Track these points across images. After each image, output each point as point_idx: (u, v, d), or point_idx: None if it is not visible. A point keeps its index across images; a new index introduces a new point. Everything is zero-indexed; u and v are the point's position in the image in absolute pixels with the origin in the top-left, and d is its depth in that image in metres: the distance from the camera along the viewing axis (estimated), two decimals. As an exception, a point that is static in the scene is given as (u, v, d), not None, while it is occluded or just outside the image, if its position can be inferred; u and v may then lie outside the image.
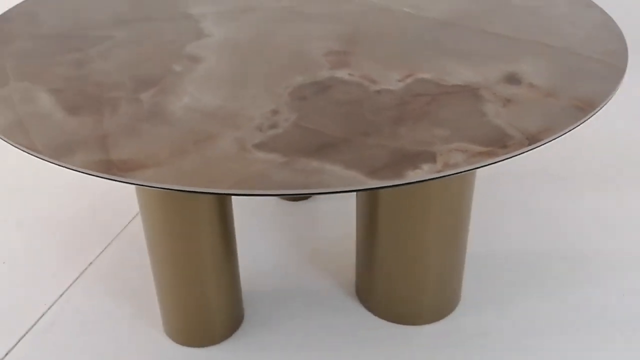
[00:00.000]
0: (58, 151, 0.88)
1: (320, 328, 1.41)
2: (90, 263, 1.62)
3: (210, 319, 1.34)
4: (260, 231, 1.72)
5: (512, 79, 1.04)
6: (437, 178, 0.82)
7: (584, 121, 0.93)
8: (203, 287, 1.29)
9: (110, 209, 1.83)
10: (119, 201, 1.85)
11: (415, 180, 0.81)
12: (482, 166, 0.83)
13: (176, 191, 0.82)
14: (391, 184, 0.80)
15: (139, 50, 1.19)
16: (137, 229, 1.74)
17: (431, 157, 0.85)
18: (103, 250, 1.67)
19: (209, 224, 1.21)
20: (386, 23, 1.28)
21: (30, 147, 0.89)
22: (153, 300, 1.44)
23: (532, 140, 0.88)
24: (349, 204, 1.74)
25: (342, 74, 1.08)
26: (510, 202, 1.80)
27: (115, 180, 0.83)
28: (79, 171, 0.85)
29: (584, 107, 0.96)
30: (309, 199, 1.80)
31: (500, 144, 0.87)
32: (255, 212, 1.80)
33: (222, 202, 1.21)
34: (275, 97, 1.01)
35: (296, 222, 1.76)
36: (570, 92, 1.00)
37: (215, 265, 1.27)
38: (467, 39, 1.20)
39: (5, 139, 0.92)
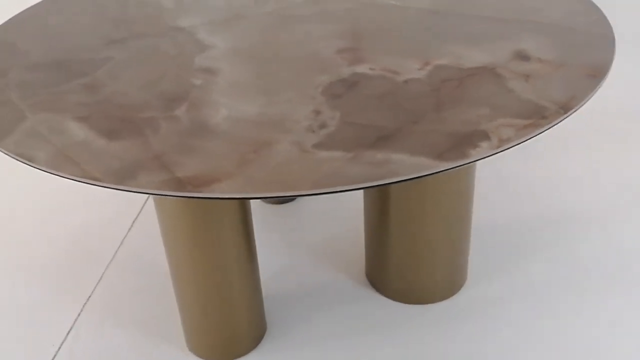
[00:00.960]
0: (119, 177, 0.87)
1: (340, 321, 1.45)
2: (89, 296, 1.58)
3: (236, 331, 1.35)
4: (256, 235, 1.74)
5: (522, 56, 1.12)
6: (496, 153, 0.87)
7: (600, 86, 1.02)
8: (229, 299, 1.29)
9: (96, 236, 1.78)
10: (102, 226, 1.80)
11: (479, 158, 0.86)
12: (531, 137, 0.90)
13: (245, 199, 0.83)
14: (459, 164, 0.85)
15: (147, 69, 1.17)
16: (127, 253, 1.70)
17: (484, 135, 0.90)
18: (100, 279, 1.62)
19: (234, 233, 1.21)
20: (379, 17, 1.33)
21: (89, 177, 0.87)
22: (168, 319, 1.45)
23: (565, 108, 0.95)
24: (333, 203, 1.80)
25: (363, 69, 1.12)
26: (503, 173, 1.91)
27: (191, 197, 0.83)
28: (150, 193, 0.84)
29: (595, 74, 1.04)
30: (294, 201, 1.82)
31: (540, 116, 0.94)
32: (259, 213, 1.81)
33: (245, 210, 1.22)
34: (310, 98, 1.04)
35: (289, 224, 1.78)
36: (577, 62, 1.09)
37: (241, 275, 1.28)
38: (462, 25, 1.26)
39: (56, 172, 0.89)
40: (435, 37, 1.22)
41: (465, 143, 0.89)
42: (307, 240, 1.71)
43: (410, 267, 1.45)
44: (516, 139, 0.89)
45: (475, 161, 0.86)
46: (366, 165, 0.86)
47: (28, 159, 0.92)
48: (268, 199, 1.84)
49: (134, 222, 1.82)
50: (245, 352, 1.36)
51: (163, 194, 0.84)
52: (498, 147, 0.88)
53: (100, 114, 1.03)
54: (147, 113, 1.02)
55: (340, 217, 1.78)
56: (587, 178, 1.87)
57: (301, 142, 0.92)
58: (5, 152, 0.94)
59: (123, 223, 1.82)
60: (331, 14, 1.35)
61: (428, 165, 0.85)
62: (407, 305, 1.48)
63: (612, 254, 1.58)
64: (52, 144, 0.95)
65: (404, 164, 0.86)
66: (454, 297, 1.49)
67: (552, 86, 1.02)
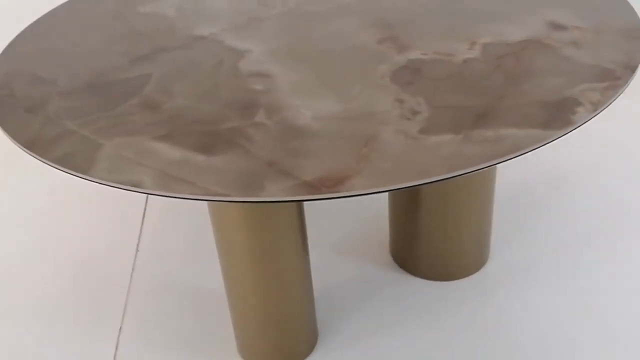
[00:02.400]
0: (245, 189, 0.84)
1: (386, 311, 1.48)
2: (120, 328, 1.50)
3: (295, 337, 1.34)
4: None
5: (557, 27, 1.18)
6: (594, 117, 0.93)
7: (645, 45, 1.10)
8: (290, 305, 1.28)
9: (104, 262, 1.70)
10: (108, 252, 1.72)
11: (582, 123, 0.91)
12: (617, 97, 0.96)
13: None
14: (568, 131, 0.90)
15: (194, 80, 1.13)
16: (142, 275, 1.64)
17: (575, 102, 0.96)
18: (125, 308, 1.55)
19: (293, 238, 1.20)
20: (396, 6, 1.35)
21: (211, 194, 0.83)
22: (211, 333, 1.44)
23: (631, 68, 1.03)
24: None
25: (416, 55, 1.14)
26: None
27: (330, 198, 0.82)
28: (285, 201, 0.82)
29: (634, 34, 1.13)
30: None
31: (613, 77, 1.01)
32: None
33: (301, 214, 1.21)
34: (383, 89, 1.05)
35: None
36: (611, 26, 1.17)
37: (298, 280, 1.27)
38: (481, 5, 1.31)
39: (171, 195, 0.84)
40: (463, 18, 1.26)
41: (562, 111, 0.94)
42: (326, 237, 1.72)
43: (441, 244, 1.50)
44: (605, 100, 0.95)
45: (579, 126, 0.91)
46: (482, 143, 0.89)
47: (134, 184, 0.86)
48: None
49: (138, 243, 1.75)
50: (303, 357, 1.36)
51: (300, 199, 0.82)
52: (594, 110, 0.93)
53: (180, 131, 0.98)
54: (228, 124, 0.99)
55: (352, 209, 1.80)
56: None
57: (405, 131, 0.93)
58: (102, 182, 0.88)
59: (127, 245, 1.75)
60: (347, 7, 1.36)
61: (541, 135, 0.89)
62: (441, 282, 1.54)
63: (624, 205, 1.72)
64: (147, 166, 0.90)
65: (519, 137, 0.89)
66: (483, 269, 1.56)
67: (604, 49, 1.09)
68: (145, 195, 1.94)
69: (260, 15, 1.36)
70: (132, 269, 1.68)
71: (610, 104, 0.95)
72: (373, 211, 1.76)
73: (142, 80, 1.14)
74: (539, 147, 0.87)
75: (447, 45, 1.16)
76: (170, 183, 0.87)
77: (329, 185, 0.84)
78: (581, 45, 1.11)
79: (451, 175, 0.83)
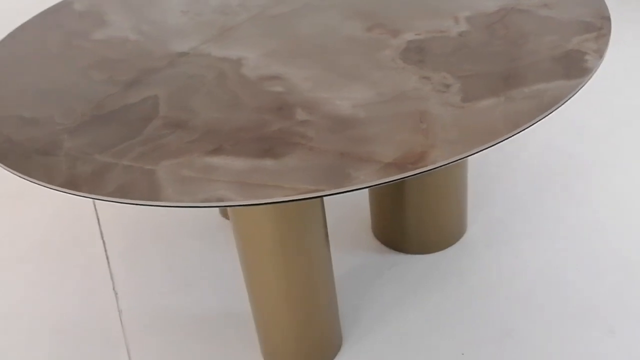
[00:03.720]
0: (335, 180, 0.84)
1: (391, 293, 1.54)
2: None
3: (324, 338, 1.35)
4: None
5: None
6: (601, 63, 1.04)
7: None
8: (317, 306, 1.29)
9: (84, 312, 1.59)
10: (81, 301, 1.60)
11: (596, 68, 1.02)
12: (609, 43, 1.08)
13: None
14: (589, 77, 1.00)
15: (206, 93, 1.10)
16: (127, 298, 1.55)
17: (580, 52, 1.07)
18: (126, 340, 1.47)
19: (317, 239, 1.21)
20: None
21: (305, 191, 0.83)
22: (226, 344, 1.43)
23: (606, 18, 1.16)
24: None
25: (410, 36, 1.19)
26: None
27: (419, 174, 0.84)
28: (375, 185, 0.83)
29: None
30: None
31: (596, 28, 1.13)
32: (204, 233, 1.78)
33: (323, 215, 1.21)
34: (402, 70, 1.09)
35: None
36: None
37: (322, 277, 1.28)
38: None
39: (268, 201, 0.82)
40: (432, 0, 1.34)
41: (574, 62, 1.04)
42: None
43: (423, 219, 1.58)
44: (603, 47, 1.07)
45: (595, 72, 1.02)
46: (525, 100, 0.96)
47: (218, 200, 0.83)
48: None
49: (113, 285, 1.65)
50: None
51: (394, 179, 0.84)
52: (600, 57, 1.04)
53: (229, 142, 0.96)
54: (273, 127, 0.98)
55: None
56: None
57: (449, 102, 0.98)
58: (182, 205, 0.84)
59: (102, 290, 1.64)
60: (315, 5, 1.38)
61: (570, 84, 0.99)
62: (426, 255, 1.61)
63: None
64: (220, 181, 0.87)
65: (553, 88, 0.98)
66: (462, 238, 1.66)
67: (573, 7, 1.21)
68: (100, 234, 1.84)
69: (229, 24, 1.35)
70: (119, 312, 1.58)
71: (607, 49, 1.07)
72: (351, 194, 1.80)
73: (151, 103, 1.09)
74: (574, 95, 0.97)
75: (433, 23, 1.23)
76: (255, 191, 0.85)
77: (413, 162, 0.86)
78: (552, 6, 1.23)
79: (519, 130, 0.90)
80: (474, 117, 0.94)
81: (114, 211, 1.92)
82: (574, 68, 1.02)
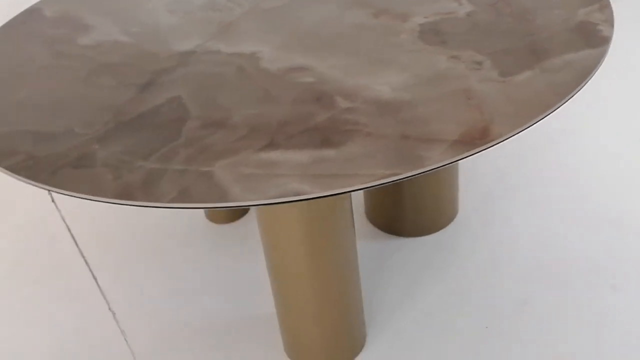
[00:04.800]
0: (409, 163, 0.84)
1: (393, 276, 1.57)
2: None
3: (350, 334, 1.34)
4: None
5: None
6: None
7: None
8: (346, 300, 1.28)
9: (86, 339, 1.50)
10: (80, 329, 1.51)
11: (612, 35, 1.06)
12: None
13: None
14: (609, 45, 1.04)
15: (233, 90, 1.06)
16: (125, 317, 1.48)
17: (591, 23, 1.11)
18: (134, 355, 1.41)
19: (345, 233, 1.20)
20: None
21: (386, 176, 0.81)
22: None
23: (603, -11, 1.21)
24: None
25: (420, 19, 1.20)
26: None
27: (488, 148, 0.85)
28: (456, 160, 0.84)
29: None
30: (239, 222, 1.78)
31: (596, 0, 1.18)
32: (190, 240, 1.74)
33: (350, 202, 1.21)
34: (428, 51, 1.10)
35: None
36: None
37: (350, 272, 1.27)
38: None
39: (350, 189, 0.80)
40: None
41: (589, 32, 1.09)
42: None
43: (422, 201, 1.61)
44: (609, 17, 1.12)
45: (611, 38, 1.06)
46: (560, 71, 1.00)
47: (293, 194, 0.81)
48: (219, 219, 1.76)
49: (108, 305, 1.56)
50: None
51: (469, 154, 0.84)
52: (611, 25, 1.09)
53: (281, 136, 0.93)
54: (319, 117, 0.96)
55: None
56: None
57: (488, 78, 1.00)
58: (256, 203, 0.80)
59: (100, 314, 1.56)
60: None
61: (596, 53, 1.03)
62: (422, 237, 1.65)
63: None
64: (286, 175, 0.84)
65: (583, 58, 1.02)
66: (456, 219, 1.70)
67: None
68: (80, 253, 1.74)
69: (226, 20, 1.30)
70: (123, 333, 1.50)
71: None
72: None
73: (177, 104, 1.04)
74: (604, 62, 1.01)
75: (437, 6, 1.24)
76: (330, 182, 0.83)
77: (480, 138, 0.87)
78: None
79: (567, 99, 0.92)
80: (518, 90, 0.96)
81: (87, 225, 1.82)
82: (593, 37, 1.07)
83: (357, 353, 1.36)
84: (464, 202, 1.73)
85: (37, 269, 1.71)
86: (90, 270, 1.67)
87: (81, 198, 0.87)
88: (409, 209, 1.62)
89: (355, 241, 1.24)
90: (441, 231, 1.66)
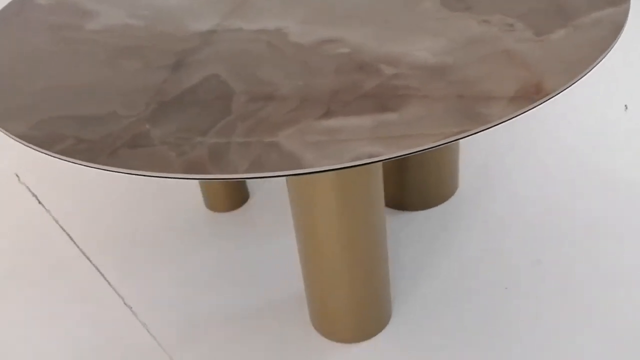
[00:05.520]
0: (474, 119, 0.85)
1: (401, 249, 1.61)
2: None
3: (378, 307, 1.36)
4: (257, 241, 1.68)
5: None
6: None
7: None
8: (376, 273, 1.29)
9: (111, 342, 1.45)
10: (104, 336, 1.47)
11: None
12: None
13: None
14: (629, 2, 1.09)
15: (270, 65, 1.05)
16: (163, 333, 1.45)
17: (607, -17, 1.16)
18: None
19: (376, 201, 1.21)
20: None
21: (461, 131, 0.83)
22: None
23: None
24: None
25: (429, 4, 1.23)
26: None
27: (548, 100, 0.88)
28: (516, 116, 0.86)
29: None
30: (239, 210, 1.77)
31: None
32: (190, 230, 1.72)
33: (382, 176, 1.22)
34: (456, 18, 1.12)
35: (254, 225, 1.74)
36: None
37: (379, 247, 1.28)
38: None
39: (424, 147, 0.81)
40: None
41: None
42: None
43: (426, 174, 1.64)
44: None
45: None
46: (592, 27, 1.04)
47: (368, 157, 0.81)
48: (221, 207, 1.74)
49: (106, 280, 1.52)
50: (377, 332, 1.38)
51: (533, 106, 0.86)
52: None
53: (336, 105, 0.92)
54: (368, 84, 0.96)
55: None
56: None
57: (525, 38, 1.03)
58: (334, 167, 0.80)
59: (93, 292, 1.53)
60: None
61: (621, 10, 1.08)
62: (425, 210, 1.68)
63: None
64: (354, 139, 0.84)
65: (609, 14, 1.06)
66: (457, 192, 1.74)
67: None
68: (81, 251, 1.68)
69: (238, -1, 1.29)
70: (145, 326, 1.46)
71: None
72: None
73: (216, 82, 1.02)
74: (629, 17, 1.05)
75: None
76: (402, 141, 0.83)
77: (535, 93, 0.90)
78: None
79: (606, 53, 0.96)
80: (558, 47, 1.00)
81: (85, 225, 1.76)
82: (615, 4, 1.11)
83: (384, 325, 1.38)
84: (463, 176, 1.77)
85: (37, 270, 1.64)
86: (96, 268, 1.62)
87: (147, 176, 0.84)
88: (413, 184, 1.65)
89: (384, 211, 1.26)
90: (445, 203, 1.70)
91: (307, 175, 1.04)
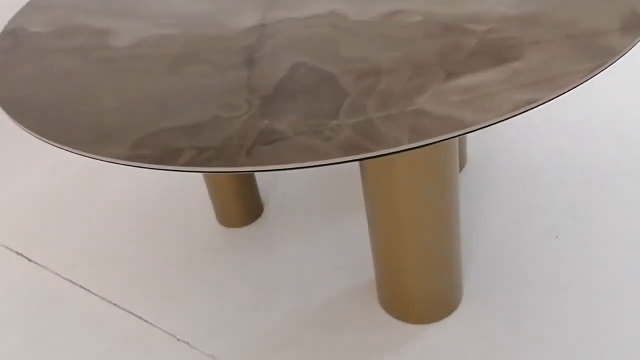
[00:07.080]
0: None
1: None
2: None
3: (450, 287, 1.33)
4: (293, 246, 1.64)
5: None
6: None
7: None
8: (452, 254, 1.28)
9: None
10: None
11: None
12: None
13: None
14: None
15: (338, 46, 1.00)
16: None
17: None
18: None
19: (451, 178, 1.18)
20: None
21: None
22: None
23: None
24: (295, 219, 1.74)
25: None
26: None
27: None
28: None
29: None
30: (249, 225, 1.70)
31: None
32: (202, 247, 1.64)
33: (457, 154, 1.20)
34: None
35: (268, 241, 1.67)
36: None
37: (453, 229, 1.25)
38: None
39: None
40: None
41: None
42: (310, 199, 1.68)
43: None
44: None
45: None
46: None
47: (527, 103, 0.79)
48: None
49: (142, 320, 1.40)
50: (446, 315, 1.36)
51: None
52: None
53: (452, 66, 0.90)
54: (469, 41, 0.95)
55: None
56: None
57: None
58: (494, 121, 0.77)
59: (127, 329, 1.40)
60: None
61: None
62: None
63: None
64: (499, 92, 0.82)
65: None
66: (466, 167, 1.75)
67: None
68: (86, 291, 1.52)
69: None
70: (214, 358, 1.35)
71: None
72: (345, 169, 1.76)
73: (304, 68, 0.96)
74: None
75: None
76: (550, 84, 0.82)
77: (638, 20, 0.92)
78: None
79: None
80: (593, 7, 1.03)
81: (91, 270, 1.61)
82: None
83: (455, 307, 1.35)
84: (473, 158, 1.79)
85: (61, 337, 1.47)
86: (132, 313, 1.48)
87: (301, 168, 0.77)
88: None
89: (458, 191, 1.23)
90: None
91: (387, 156, 1.01)
